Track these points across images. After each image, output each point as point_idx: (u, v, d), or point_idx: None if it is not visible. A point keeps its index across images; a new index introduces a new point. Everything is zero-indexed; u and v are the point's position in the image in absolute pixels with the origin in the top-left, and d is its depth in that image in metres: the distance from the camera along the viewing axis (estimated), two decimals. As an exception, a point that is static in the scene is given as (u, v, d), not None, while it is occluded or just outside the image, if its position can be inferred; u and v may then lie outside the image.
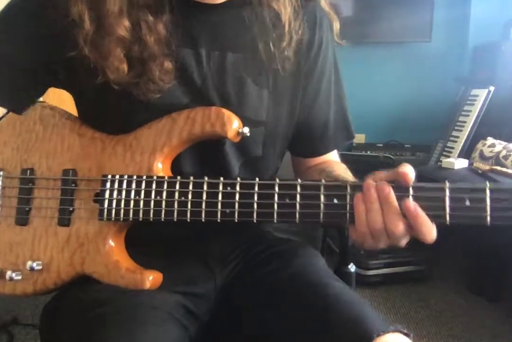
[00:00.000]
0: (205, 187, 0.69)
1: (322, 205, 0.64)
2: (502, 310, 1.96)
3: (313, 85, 0.85)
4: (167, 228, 0.79)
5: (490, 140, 2.33)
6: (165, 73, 0.72)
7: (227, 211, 0.68)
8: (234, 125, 0.72)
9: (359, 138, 2.88)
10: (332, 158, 0.93)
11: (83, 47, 0.70)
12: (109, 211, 0.73)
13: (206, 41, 0.76)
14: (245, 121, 0.74)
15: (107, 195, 0.73)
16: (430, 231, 0.61)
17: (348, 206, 0.64)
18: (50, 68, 0.76)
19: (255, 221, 0.67)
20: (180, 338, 0.69)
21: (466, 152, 2.43)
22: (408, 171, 0.61)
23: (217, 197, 0.69)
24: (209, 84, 0.76)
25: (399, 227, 0.61)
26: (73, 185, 0.76)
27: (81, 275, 0.74)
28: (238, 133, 0.73)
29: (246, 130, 0.72)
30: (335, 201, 0.64)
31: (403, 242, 0.64)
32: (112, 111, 0.76)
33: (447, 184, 0.61)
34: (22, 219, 0.77)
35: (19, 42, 0.75)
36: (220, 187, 0.69)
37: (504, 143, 2.29)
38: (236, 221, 0.68)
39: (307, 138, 0.88)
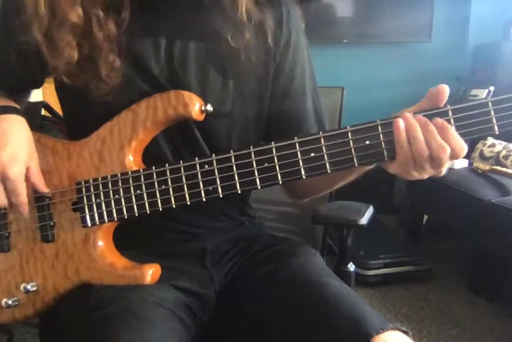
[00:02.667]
0: (182, 171, 0.70)
1: (301, 161, 0.67)
2: (502, 310, 1.95)
3: (286, 71, 0.83)
4: (160, 228, 0.79)
5: (490, 140, 2.34)
6: (113, 70, 0.72)
7: (210, 188, 0.69)
8: (196, 105, 0.71)
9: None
10: None
11: (36, 36, 0.70)
12: (92, 216, 0.72)
13: (168, 30, 0.76)
14: (209, 112, 0.73)
15: (85, 201, 0.73)
16: (462, 145, 0.62)
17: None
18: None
19: (239, 191, 0.68)
20: (183, 335, 0.69)
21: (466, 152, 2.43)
22: (442, 88, 0.63)
23: (197, 178, 0.69)
24: (167, 74, 0.76)
25: (446, 150, 0.61)
26: (47, 199, 0.75)
27: (79, 284, 0.74)
28: (202, 111, 0.72)
29: (209, 107, 0.72)
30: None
31: (445, 169, 0.64)
32: (74, 106, 0.78)
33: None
34: (3, 245, 0.76)
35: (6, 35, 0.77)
36: (198, 167, 0.69)
37: (504, 143, 2.29)
38: (221, 196, 0.69)
39: (283, 130, 0.84)
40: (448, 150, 0.61)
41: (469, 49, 2.88)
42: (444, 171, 0.64)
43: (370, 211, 1.04)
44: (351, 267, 1.07)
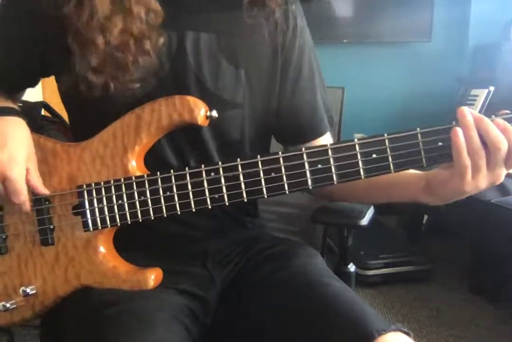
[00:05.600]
0: (188, 178, 0.69)
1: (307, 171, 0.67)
2: (502, 310, 1.95)
3: (294, 64, 0.83)
4: (162, 230, 0.79)
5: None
6: (155, 51, 0.71)
7: (216, 196, 0.68)
8: (201, 111, 0.70)
9: (359, 138, 2.88)
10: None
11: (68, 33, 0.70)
12: (94, 220, 0.71)
13: (178, 24, 0.75)
14: (222, 103, 0.73)
15: (87, 205, 0.72)
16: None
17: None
18: (43, 59, 0.77)
19: (245, 200, 0.68)
20: (185, 339, 0.69)
21: (466, 152, 2.42)
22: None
23: (203, 185, 0.69)
24: (180, 66, 0.75)
25: (504, 142, 0.61)
26: (47, 202, 0.74)
27: (79, 288, 0.73)
28: (207, 117, 0.71)
29: (214, 113, 0.71)
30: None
31: (503, 173, 0.63)
32: (82, 103, 0.76)
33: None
34: (0, 248, 0.75)
35: (14, 34, 0.77)
36: (204, 175, 0.68)
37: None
38: (227, 204, 0.69)
39: (295, 124, 0.85)
40: (505, 142, 0.61)
41: (469, 49, 2.88)
42: (502, 175, 0.64)
43: (370, 212, 1.03)
44: (352, 267, 1.06)
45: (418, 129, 0.64)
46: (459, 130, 0.62)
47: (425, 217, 2.62)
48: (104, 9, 0.69)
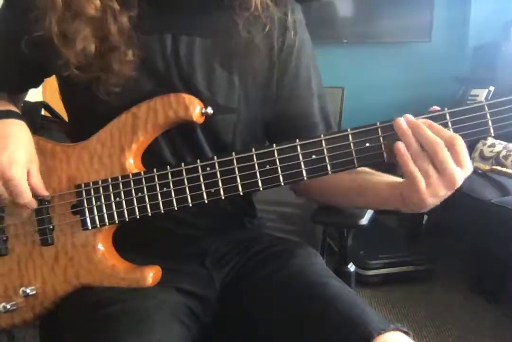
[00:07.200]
0: (184, 174, 0.70)
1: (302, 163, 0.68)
2: (502, 310, 1.95)
3: (290, 75, 0.83)
4: (161, 229, 0.79)
5: (490, 140, 2.33)
6: (125, 64, 0.72)
7: (212, 190, 0.69)
8: (196, 108, 0.71)
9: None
10: None
11: (52, 28, 0.70)
12: (92, 218, 0.72)
13: (174, 27, 0.76)
14: (215, 108, 0.73)
15: (85, 204, 0.72)
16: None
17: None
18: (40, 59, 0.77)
19: (241, 193, 0.69)
20: (184, 338, 0.69)
21: (466, 152, 2.43)
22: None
23: (199, 180, 0.69)
24: (173, 70, 0.76)
25: (438, 141, 0.61)
26: (46, 202, 0.74)
27: (79, 288, 0.73)
28: (202, 114, 0.72)
29: (209, 110, 0.72)
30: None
31: (457, 173, 0.61)
32: (79, 104, 0.77)
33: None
34: (0, 249, 0.75)
35: (8, 34, 0.78)
36: (200, 170, 0.69)
37: (504, 143, 2.29)
38: (223, 198, 0.69)
39: (290, 128, 0.85)
40: (440, 140, 0.61)
41: (469, 49, 2.89)
42: (456, 175, 0.61)
43: (370, 211, 1.03)
44: (351, 267, 1.06)
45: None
46: (401, 144, 0.62)
47: (425, 217, 2.63)
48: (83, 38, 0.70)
